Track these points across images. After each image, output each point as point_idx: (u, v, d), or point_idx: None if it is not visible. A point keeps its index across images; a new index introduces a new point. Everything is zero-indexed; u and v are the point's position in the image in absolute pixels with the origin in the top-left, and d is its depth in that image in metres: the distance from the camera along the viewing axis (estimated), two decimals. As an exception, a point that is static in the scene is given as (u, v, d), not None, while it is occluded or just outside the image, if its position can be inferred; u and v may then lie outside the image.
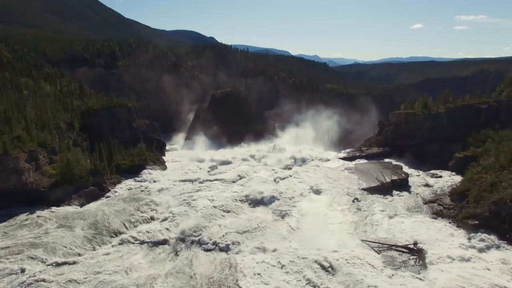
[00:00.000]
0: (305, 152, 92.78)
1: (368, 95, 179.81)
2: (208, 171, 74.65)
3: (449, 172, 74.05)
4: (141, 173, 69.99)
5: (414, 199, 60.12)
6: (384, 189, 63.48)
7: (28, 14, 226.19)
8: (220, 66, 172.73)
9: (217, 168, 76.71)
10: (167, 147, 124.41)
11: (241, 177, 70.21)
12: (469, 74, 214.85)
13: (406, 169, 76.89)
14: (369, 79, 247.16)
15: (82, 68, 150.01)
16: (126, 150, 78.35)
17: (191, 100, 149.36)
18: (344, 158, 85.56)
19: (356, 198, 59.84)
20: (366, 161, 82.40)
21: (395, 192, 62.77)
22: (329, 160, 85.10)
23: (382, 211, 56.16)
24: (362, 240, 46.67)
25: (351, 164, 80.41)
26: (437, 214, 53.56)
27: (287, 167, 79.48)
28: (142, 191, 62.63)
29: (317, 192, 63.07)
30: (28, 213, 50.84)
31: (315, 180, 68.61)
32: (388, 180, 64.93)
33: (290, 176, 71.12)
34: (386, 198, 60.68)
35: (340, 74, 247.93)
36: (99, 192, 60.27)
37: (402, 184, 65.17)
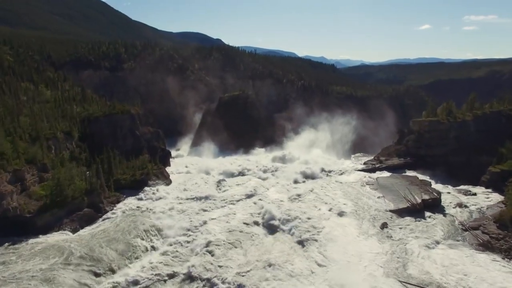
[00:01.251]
0: (319, 163, 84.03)
1: (379, 97, 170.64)
2: (216, 186, 66.07)
3: (483, 188, 64.99)
4: (143, 189, 61.59)
5: (451, 224, 51.22)
6: (414, 211, 54.74)
7: (34, 16, 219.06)
8: (227, 68, 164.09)
9: (225, 181, 68.02)
10: (173, 154, 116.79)
11: (252, 194, 61.60)
12: (481, 75, 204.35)
13: (432, 183, 68.09)
14: (377, 81, 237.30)
15: (87, 71, 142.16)
16: (128, 161, 70.11)
17: (198, 103, 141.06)
18: (362, 170, 76.71)
19: (386, 224, 51.06)
20: (387, 173, 73.49)
21: (427, 214, 53.89)
22: (346, 172, 76.21)
23: (417, 237, 47.56)
24: (401, 282, 38.11)
25: (372, 177, 71.67)
26: (484, 246, 44.60)
27: (302, 181, 70.78)
28: (143, 211, 54.24)
29: (340, 214, 54.31)
30: (7, 244, 42.74)
31: (335, 199, 59.82)
32: (418, 200, 56.06)
33: (307, 193, 62.29)
34: (419, 222, 51.83)
35: (347, 75, 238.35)
36: (95, 214, 52.04)
37: (434, 205, 56.23)
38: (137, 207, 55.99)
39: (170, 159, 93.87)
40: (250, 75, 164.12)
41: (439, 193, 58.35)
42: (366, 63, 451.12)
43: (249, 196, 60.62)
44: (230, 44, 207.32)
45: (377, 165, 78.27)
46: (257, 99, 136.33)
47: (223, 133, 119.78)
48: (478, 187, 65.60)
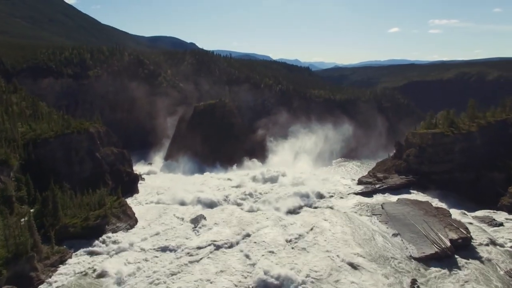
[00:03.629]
0: (309, 181, 70.06)
1: (357, 100, 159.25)
2: (193, 226, 50.17)
3: (506, 214, 53.16)
4: (99, 238, 45.06)
5: (495, 275, 38.32)
6: (444, 256, 41.56)
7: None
8: (202, 74, 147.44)
9: (204, 219, 52.13)
10: (145, 169, 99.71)
11: (239, 238, 46.41)
12: (451, 76, 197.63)
13: (442, 205, 55.62)
14: (352, 83, 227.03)
15: (47, 79, 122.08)
16: (83, 195, 53.24)
17: (171, 112, 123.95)
18: (362, 193, 63.08)
19: (415, 281, 37.34)
20: (391, 196, 60.37)
21: (460, 262, 40.70)
22: (345, 196, 62.35)
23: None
24: None
25: (374, 202, 58.33)
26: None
27: (297, 212, 56.31)
28: (95, 278, 38.12)
29: (353, 267, 40.11)
30: None
31: (340, 241, 45.54)
32: (446, 241, 42.79)
33: (307, 233, 47.61)
34: (456, 274, 38.54)
35: (323, 78, 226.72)
36: (25, 288, 35.43)
37: (465, 245, 43.35)
38: (88, 268, 39.64)
39: (139, 182, 77.31)
40: (226, 80, 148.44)
41: (468, 230, 45.41)
42: (339, 65, 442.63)
43: (234, 243, 45.16)
44: (205, 48, 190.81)
45: (376, 186, 64.88)
46: (234, 106, 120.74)
47: (199, 145, 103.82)
48: (501, 212, 53.62)
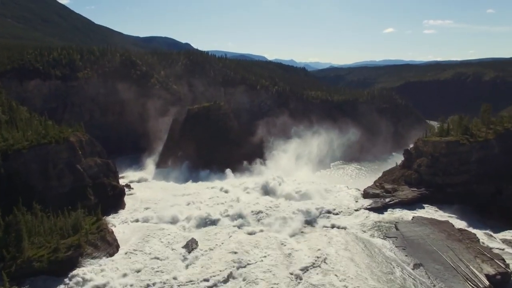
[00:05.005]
0: (312, 195, 62.17)
1: (355, 101, 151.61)
2: (183, 256, 41.80)
3: (537, 235, 45.60)
4: (70, 274, 36.70)
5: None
6: (481, 296, 33.88)
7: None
8: (197, 75, 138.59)
9: (196, 244, 43.99)
10: (136, 177, 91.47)
11: (236, 272, 38.31)
12: (448, 77, 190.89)
13: (462, 224, 48.05)
14: (348, 83, 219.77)
15: (34, 80, 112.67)
16: (58, 216, 44.79)
17: (164, 115, 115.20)
18: (371, 209, 55.30)
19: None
20: (405, 213, 52.64)
21: (501, 304, 33.21)
22: (353, 213, 54.49)
23: None
24: None
25: (386, 220, 50.59)
26: None
27: (301, 232, 48.38)
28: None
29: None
30: None
31: (354, 278, 37.54)
32: (483, 279, 35.04)
33: (314, 263, 39.60)
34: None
35: (319, 78, 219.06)
36: None
37: (504, 282, 35.67)
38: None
39: (128, 193, 69.05)
40: (221, 82, 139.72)
41: (505, 262, 37.71)
42: (335, 66, 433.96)
43: (229, 277, 37.08)
44: (200, 49, 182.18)
45: (386, 200, 57.12)
46: (230, 109, 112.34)
47: (193, 150, 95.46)
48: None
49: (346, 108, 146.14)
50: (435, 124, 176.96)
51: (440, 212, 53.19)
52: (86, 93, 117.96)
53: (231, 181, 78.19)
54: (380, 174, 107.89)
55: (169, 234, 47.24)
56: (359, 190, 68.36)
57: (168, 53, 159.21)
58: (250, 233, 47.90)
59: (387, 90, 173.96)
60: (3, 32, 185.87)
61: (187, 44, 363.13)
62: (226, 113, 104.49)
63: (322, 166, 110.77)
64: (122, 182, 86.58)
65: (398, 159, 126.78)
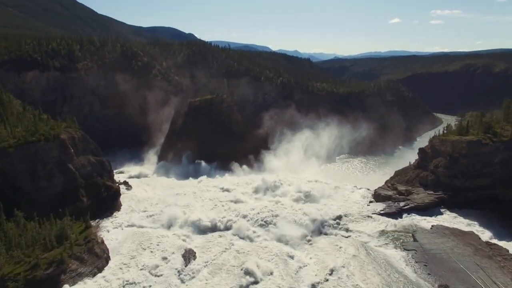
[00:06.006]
0: (320, 197, 57.05)
1: (361, 94, 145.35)
2: (179, 271, 36.99)
3: None
4: (51, 293, 32.26)
5: None
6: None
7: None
8: (199, 66, 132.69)
9: (194, 257, 39.09)
10: (137, 171, 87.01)
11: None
12: (456, 69, 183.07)
13: (485, 235, 42.79)
14: (353, 74, 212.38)
15: (32, 72, 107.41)
16: (43, 224, 40.10)
17: (166, 107, 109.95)
18: (385, 214, 50.20)
19: None
20: (422, 219, 47.49)
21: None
22: (365, 219, 49.39)
23: None
24: None
25: (402, 227, 45.45)
26: None
27: (309, 243, 43.41)
28: None
29: None
30: None
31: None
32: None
33: (321, 282, 34.61)
34: None
35: (323, 69, 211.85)
36: None
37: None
38: None
39: (125, 191, 64.44)
40: (225, 73, 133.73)
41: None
42: (339, 57, 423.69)
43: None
44: (204, 39, 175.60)
45: (401, 204, 51.89)
46: (233, 102, 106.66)
47: (194, 145, 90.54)
48: None
49: (351, 101, 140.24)
50: (442, 117, 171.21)
51: (460, 219, 47.97)
52: (86, 85, 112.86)
53: (234, 179, 73.30)
54: (387, 169, 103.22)
55: (165, 243, 42.40)
56: (369, 190, 63.25)
57: (170, 43, 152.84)
58: (252, 241, 42.99)
59: (393, 82, 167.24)
60: (4, 21, 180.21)
61: (191, 35, 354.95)
62: (229, 106, 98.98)
63: (328, 159, 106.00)
64: (121, 177, 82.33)
65: (405, 152, 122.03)
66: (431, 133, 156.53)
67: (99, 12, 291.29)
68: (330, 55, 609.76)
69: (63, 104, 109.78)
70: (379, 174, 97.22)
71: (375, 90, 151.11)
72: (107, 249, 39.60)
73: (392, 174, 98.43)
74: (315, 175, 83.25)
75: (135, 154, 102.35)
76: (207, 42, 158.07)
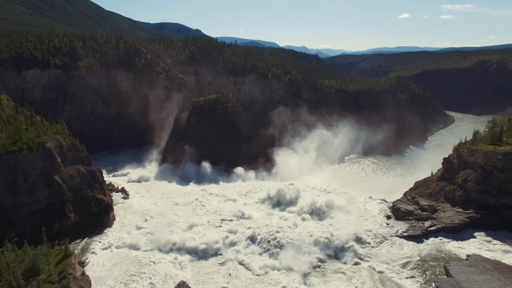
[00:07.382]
0: (333, 212, 50.02)
1: (371, 91, 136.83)
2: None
3: None
4: None
5: None
6: None
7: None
8: (205, 63, 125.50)
9: (189, 291, 32.76)
10: (138, 174, 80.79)
11: None
12: (469, 65, 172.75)
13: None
14: (362, 71, 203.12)
15: (32, 70, 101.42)
16: (20, 248, 33.92)
17: (170, 107, 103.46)
18: (408, 237, 42.98)
19: None
20: (451, 244, 40.22)
21: None
22: (383, 242, 42.23)
23: None
24: None
25: (430, 256, 38.25)
26: None
27: (319, 267, 36.78)
28: None
29: None
30: None
31: None
32: None
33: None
34: None
35: (331, 66, 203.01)
36: None
37: None
38: None
39: (123, 200, 58.20)
40: (231, 70, 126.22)
41: None
42: (347, 53, 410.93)
43: None
44: (211, 35, 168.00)
45: (426, 224, 44.55)
46: (239, 101, 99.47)
47: (198, 147, 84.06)
48: None
49: (361, 99, 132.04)
50: (454, 115, 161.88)
51: (496, 243, 40.50)
52: (87, 83, 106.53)
53: (239, 186, 66.33)
54: (398, 169, 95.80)
55: (157, 272, 35.86)
56: (385, 201, 55.98)
57: (175, 39, 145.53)
58: (256, 274, 36.19)
59: (404, 79, 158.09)
60: (11, 18, 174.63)
61: (198, 31, 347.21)
62: (235, 106, 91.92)
63: (337, 160, 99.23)
64: (121, 181, 76.36)
65: (416, 152, 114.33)
66: (443, 132, 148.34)
67: (106, 8, 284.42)
68: (338, 51, 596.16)
69: (64, 103, 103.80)
70: (391, 176, 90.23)
71: (385, 87, 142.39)
72: (89, 282, 33.31)
73: (404, 175, 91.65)
74: (326, 179, 76.69)
75: (137, 155, 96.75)
76: (214, 38, 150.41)
